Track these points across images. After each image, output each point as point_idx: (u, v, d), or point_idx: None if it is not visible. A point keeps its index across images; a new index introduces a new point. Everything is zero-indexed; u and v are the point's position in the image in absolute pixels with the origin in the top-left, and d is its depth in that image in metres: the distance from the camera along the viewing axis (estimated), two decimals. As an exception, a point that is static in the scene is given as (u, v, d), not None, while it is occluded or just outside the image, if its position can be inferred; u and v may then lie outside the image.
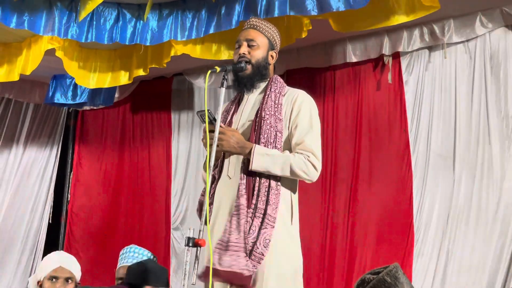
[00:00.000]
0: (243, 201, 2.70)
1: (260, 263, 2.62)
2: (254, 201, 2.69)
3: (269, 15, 3.61)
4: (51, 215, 6.26)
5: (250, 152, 2.73)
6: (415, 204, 4.33)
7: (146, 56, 4.51)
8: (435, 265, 4.16)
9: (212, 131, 2.67)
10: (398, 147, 4.48)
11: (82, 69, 4.63)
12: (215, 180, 2.85)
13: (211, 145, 2.64)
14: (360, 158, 4.63)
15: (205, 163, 2.68)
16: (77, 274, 3.45)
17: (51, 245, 6.00)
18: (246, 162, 2.75)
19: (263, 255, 2.63)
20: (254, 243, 2.63)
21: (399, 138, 4.49)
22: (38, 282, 3.33)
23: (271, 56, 2.96)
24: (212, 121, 2.71)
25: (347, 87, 4.80)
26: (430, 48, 4.43)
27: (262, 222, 2.66)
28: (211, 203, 2.80)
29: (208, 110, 2.66)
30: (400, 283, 1.85)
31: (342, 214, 4.64)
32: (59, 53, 4.33)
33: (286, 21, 3.95)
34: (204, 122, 2.66)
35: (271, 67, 2.97)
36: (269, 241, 2.65)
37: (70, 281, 3.32)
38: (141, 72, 4.56)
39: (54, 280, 3.25)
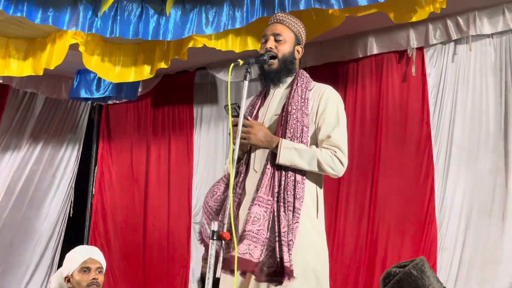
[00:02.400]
0: (263, 193, 2.70)
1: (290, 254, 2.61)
2: (282, 195, 2.69)
3: (293, 8, 3.59)
4: (71, 209, 6.30)
5: (277, 146, 2.73)
6: (437, 198, 4.30)
7: (168, 49, 4.50)
8: (459, 259, 4.14)
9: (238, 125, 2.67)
10: (419, 140, 4.45)
11: (106, 63, 4.63)
12: (241, 174, 2.85)
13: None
14: (381, 151, 4.61)
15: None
16: (105, 265, 3.51)
17: (74, 239, 6.00)
18: (273, 156, 2.75)
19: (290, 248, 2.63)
20: (289, 236, 2.63)
21: (420, 131, 4.46)
22: (65, 277, 3.40)
23: (297, 51, 2.96)
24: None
25: (370, 79, 4.77)
26: (455, 41, 4.39)
27: (293, 217, 2.66)
28: (235, 197, 2.80)
29: (236, 104, 2.68)
30: (426, 276, 1.84)
31: (363, 207, 4.63)
32: (81, 48, 4.35)
33: (314, 15, 3.93)
34: (232, 116, 2.68)
35: (297, 62, 2.97)
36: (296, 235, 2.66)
37: (100, 271, 3.42)
38: (162, 65, 4.55)
39: (86, 271, 3.36)
